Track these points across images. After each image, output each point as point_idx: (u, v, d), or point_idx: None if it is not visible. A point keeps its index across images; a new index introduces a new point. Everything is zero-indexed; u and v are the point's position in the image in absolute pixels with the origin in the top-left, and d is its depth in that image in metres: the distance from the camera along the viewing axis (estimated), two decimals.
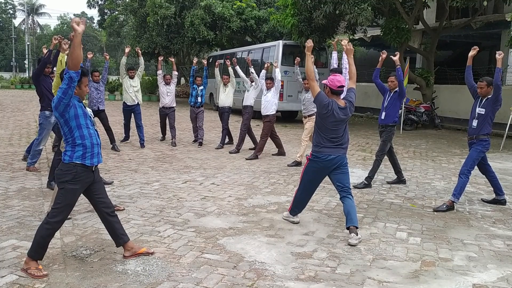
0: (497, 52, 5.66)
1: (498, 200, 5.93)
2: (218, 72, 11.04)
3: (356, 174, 7.44)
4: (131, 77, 9.79)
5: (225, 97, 10.13)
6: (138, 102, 9.81)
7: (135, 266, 3.69)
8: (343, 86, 4.55)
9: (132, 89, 9.74)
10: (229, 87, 10.14)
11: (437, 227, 4.96)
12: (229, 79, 10.17)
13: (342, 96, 4.67)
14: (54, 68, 6.68)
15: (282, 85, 11.57)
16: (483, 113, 5.64)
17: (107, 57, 10.03)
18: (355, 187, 6.41)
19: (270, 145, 9.42)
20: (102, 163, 3.95)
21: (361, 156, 9.46)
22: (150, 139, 10.87)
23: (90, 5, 33.50)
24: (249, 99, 9.51)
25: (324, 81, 4.66)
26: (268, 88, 8.87)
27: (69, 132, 3.53)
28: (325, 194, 6.16)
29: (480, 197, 6.25)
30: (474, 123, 5.72)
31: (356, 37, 17.70)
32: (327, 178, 4.75)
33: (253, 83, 9.61)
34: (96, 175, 3.73)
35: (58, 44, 5.70)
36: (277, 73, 9.00)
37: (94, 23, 68.39)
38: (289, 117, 16.88)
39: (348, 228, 4.42)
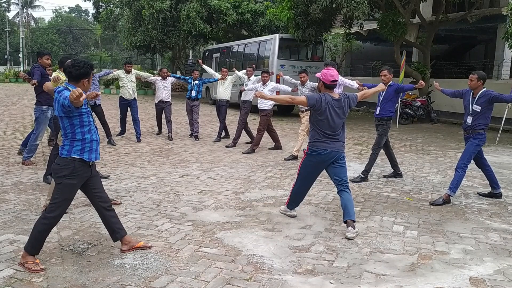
0: None
1: (494, 194, 5.96)
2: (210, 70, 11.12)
3: (353, 168, 7.45)
4: (128, 72, 9.73)
5: (223, 90, 10.10)
6: (135, 97, 9.80)
7: (133, 260, 3.68)
8: (336, 81, 4.54)
9: (131, 84, 9.73)
10: (228, 81, 10.09)
11: (433, 220, 4.98)
12: (228, 72, 10.14)
13: (336, 90, 4.68)
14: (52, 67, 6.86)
15: (278, 80, 11.54)
16: (478, 110, 5.64)
17: (114, 71, 9.98)
18: (351, 181, 6.42)
19: (266, 139, 9.42)
20: (99, 160, 3.94)
21: (357, 150, 9.48)
22: (146, 133, 10.84)
23: None
24: (248, 94, 9.47)
25: (317, 74, 4.65)
26: (265, 82, 8.83)
27: (70, 128, 3.51)
28: (322, 188, 6.17)
29: (476, 191, 6.28)
30: (469, 119, 5.72)
31: (353, 31, 17.67)
32: (324, 172, 4.75)
33: (248, 78, 9.65)
34: (93, 170, 3.72)
35: None
36: (282, 87, 8.94)
37: (89, 16, 68.05)
38: (285, 111, 16.87)
39: (345, 222, 4.43)
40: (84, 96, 3.23)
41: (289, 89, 8.77)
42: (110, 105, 15.58)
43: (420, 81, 6.66)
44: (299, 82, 8.46)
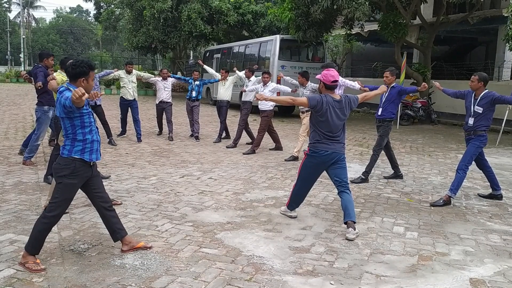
0: None
1: (495, 195, 5.95)
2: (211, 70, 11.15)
3: (353, 168, 7.45)
4: (129, 72, 9.75)
5: (224, 91, 10.11)
6: (135, 97, 9.83)
7: (133, 260, 3.68)
8: (336, 81, 4.55)
9: (132, 85, 9.75)
10: (229, 81, 10.10)
11: (434, 221, 4.98)
12: (229, 74, 10.16)
13: (336, 91, 4.69)
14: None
15: (278, 81, 11.58)
16: (480, 112, 5.63)
17: (115, 71, 10.09)
18: (352, 181, 6.42)
19: (267, 140, 9.42)
20: (100, 160, 3.94)
21: (358, 151, 9.48)
22: (147, 133, 10.85)
23: None
24: (248, 95, 9.49)
25: (318, 76, 4.66)
26: (265, 83, 8.84)
27: (71, 128, 3.51)
28: (323, 189, 6.17)
29: (476, 192, 6.28)
30: (470, 121, 5.71)
31: (353, 32, 17.67)
32: (324, 173, 4.75)
33: (248, 79, 9.69)
34: (94, 170, 3.72)
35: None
36: (282, 88, 8.95)
37: (90, 16, 68.07)
38: (286, 112, 16.88)
39: (345, 223, 4.43)
40: (86, 96, 3.22)
41: (289, 89, 8.79)
42: (111, 106, 15.59)
43: (423, 83, 6.66)
44: (298, 81, 8.46)
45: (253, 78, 9.64)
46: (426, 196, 6.08)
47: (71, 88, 3.47)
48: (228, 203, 5.42)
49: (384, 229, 4.67)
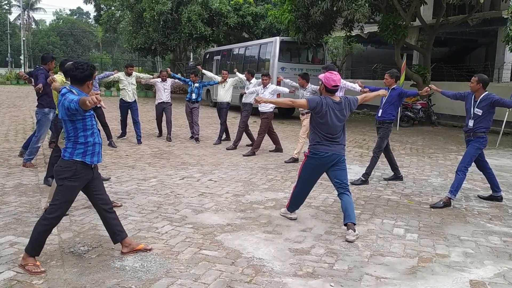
0: None
1: (495, 197, 5.95)
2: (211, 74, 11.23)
3: (353, 170, 7.45)
4: (129, 74, 9.77)
5: (224, 93, 10.12)
6: (135, 99, 9.84)
7: (133, 262, 3.68)
8: (337, 86, 4.55)
9: (131, 86, 9.78)
10: (229, 83, 10.12)
11: (434, 223, 4.98)
12: (229, 74, 10.18)
13: (336, 93, 4.70)
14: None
15: (278, 83, 11.59)
16: (480, 114, 5.64)
17: (115, 73, 10.16)
18: (352, 183, 6.41)
19: (267, 142, 9.42)
20: (101, 162, 3.94)
21: (358, 153, 9.48)
22: (147, 135, 10.85)
23: (86, 1, 33.34)
24: (249, 97, 9.49)
25: (320, 76, 4.66)
26: (265, 85, 8.84)
27: (73, 131, 3.52)
28: (323, 191, 6.16)
29: (476, 194, 6.28)
30: (470, 123, 5.71)
31: (353, 34, 17.69)
32: (324, 175, 4.75)
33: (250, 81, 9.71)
34: (95, 172, 3.72)
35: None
36: (282, 89, 9.01)
37: (90, 18, 68.18)
38: (286, 114, 16.88)
39: (345, 225, 4.43)
40: (102, 102, 3.19)
41: (288, 90, 8.83)
42: (111, 107, 15.55)
43: (425, 88, 6.66)
44: (298, 82, 8.48)
45: (253, 81, 9.64)
46: (426, 197, 6.08)
47: (74, 91, 3.48)
48: (228, 205, 5.42)
49: (384, 231, 4.67)
